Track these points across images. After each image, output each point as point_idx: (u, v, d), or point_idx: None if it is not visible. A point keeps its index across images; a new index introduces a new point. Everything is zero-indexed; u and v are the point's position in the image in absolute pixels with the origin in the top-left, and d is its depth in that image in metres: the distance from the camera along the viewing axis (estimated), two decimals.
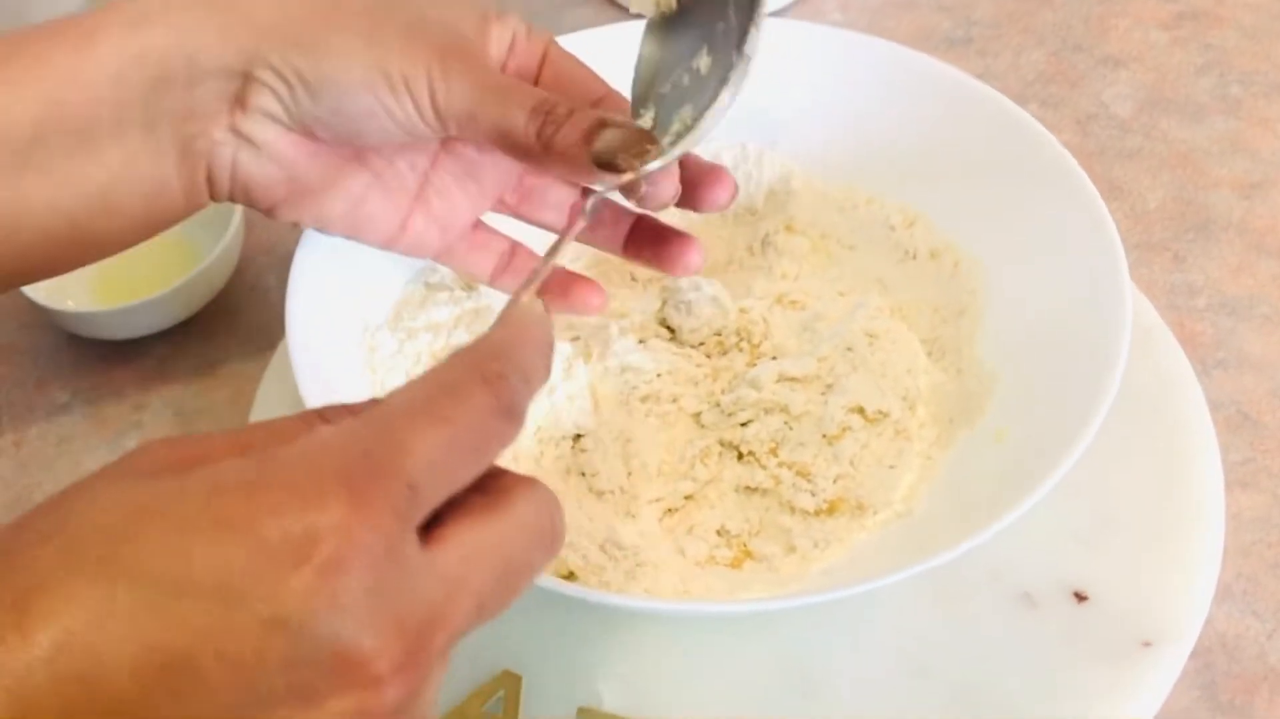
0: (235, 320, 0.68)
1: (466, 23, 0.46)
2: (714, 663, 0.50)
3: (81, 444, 0.63)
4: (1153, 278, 0.65)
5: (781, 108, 0.60)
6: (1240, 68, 0.77)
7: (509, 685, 0.49)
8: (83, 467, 0.62)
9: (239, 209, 0.66)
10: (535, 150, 0.42)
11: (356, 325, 0.54)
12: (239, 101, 0.44)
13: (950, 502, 0.49)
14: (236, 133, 0.45)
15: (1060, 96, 0.76)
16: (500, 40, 0.47)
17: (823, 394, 0.53)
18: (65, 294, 0.67)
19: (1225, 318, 0.63)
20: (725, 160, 0.61)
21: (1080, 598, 0.50)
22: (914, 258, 0.58)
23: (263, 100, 0.44)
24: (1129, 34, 0.80)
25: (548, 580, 0.43)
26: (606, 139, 0.41)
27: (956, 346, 0.55)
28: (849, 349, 0.53)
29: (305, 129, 0.45)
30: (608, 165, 0.41)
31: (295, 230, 0.53)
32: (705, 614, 0.49)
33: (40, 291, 0.65)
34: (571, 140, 0.42)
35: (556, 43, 0.48)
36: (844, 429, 0.52)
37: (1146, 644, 0.48)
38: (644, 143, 0.42)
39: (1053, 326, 0.51)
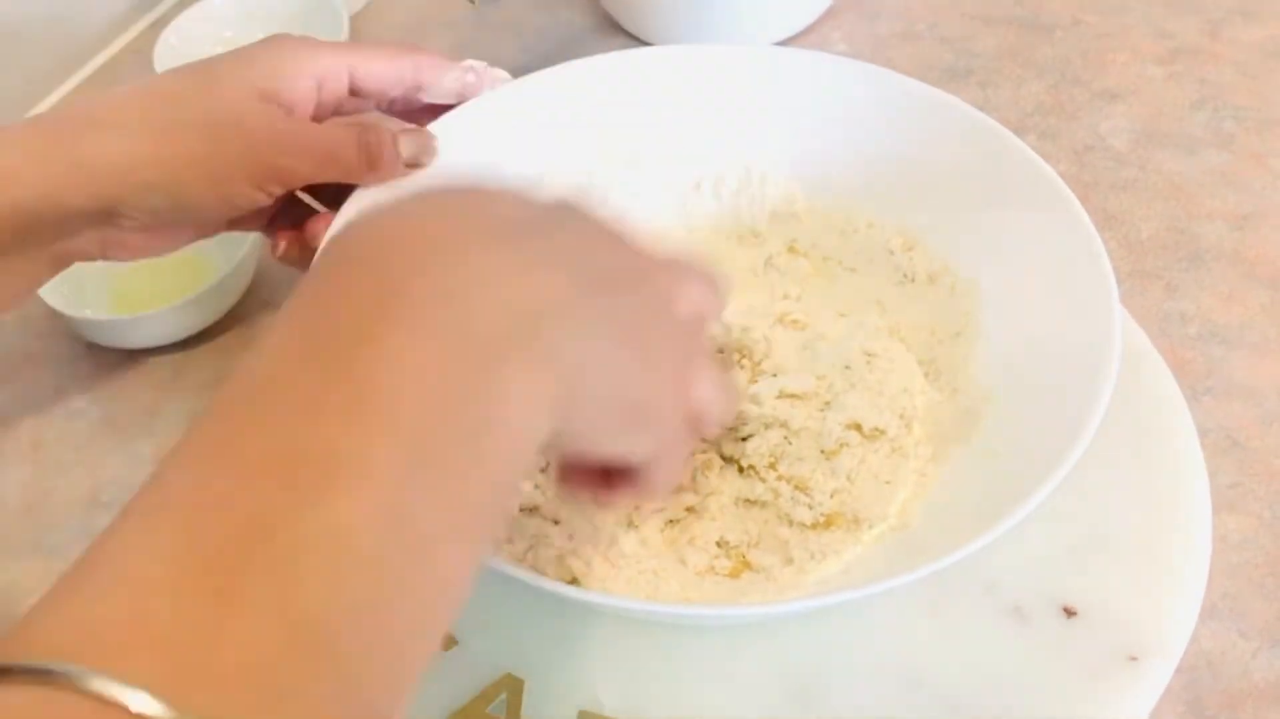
0: (248, 333, 0.70)
1: (282, 98, 0.54)
2: (712, 670, 0.51)
3: (97, 449, 0.64)
4: (1146, 306, 0.67)
5: (786, 133, 0.62)
6: (1234, 103, 0.79)
7: (511, 689, 0.51)
8: (99, 471, 0.63)
9: None
10: (364, 176, 0.55)
11: None
12: (105, 229, 0.53)
13: (943, 516, 0.50)
14: (104, 244, 0.54)
15: (1058, 128, 0.78)
16: (306, 93, 0.55)
17: (821, 411, 0.54)
18: (84, 302, 0.69)
19: (1216, 346, 0.65)
20: (729, 183, 0.63)
21: (1069, 613, 0.51)
22: (912, 280, 0.59)
23: (125, 226, 0.53)
24: (1126, 69, 0.82)
25: (551, 584, 0.44)
26: (410, 148, 0.55)
27: (952, 366, 0.56)
28: (847, 367, 0.55)
29: (157, 230, 0.54)
30: (413, 165, 0.56)
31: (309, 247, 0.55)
32: (703, 618, 0.50)
33: (59, 299, 0.67)
34: (391, 160, 0.55)
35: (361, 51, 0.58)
36: (841, 445, 0.53)
37: (1133, 659, 0.50)
38: (427, 140, 0.56)
39: (1046, 349, 0.52)
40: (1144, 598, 0.52)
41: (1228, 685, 0.52)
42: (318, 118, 0.57)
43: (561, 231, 0.35)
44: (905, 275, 0.60)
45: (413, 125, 0.58)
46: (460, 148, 0.58)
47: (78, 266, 0.69)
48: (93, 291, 0.70)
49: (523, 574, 0.44)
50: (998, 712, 0.49)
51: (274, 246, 0.57)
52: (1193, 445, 0.57)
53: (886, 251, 0.60)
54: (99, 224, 0.52)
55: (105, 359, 0.69)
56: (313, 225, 0.57)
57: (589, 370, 0.33)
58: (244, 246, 0.67)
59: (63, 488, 0.63)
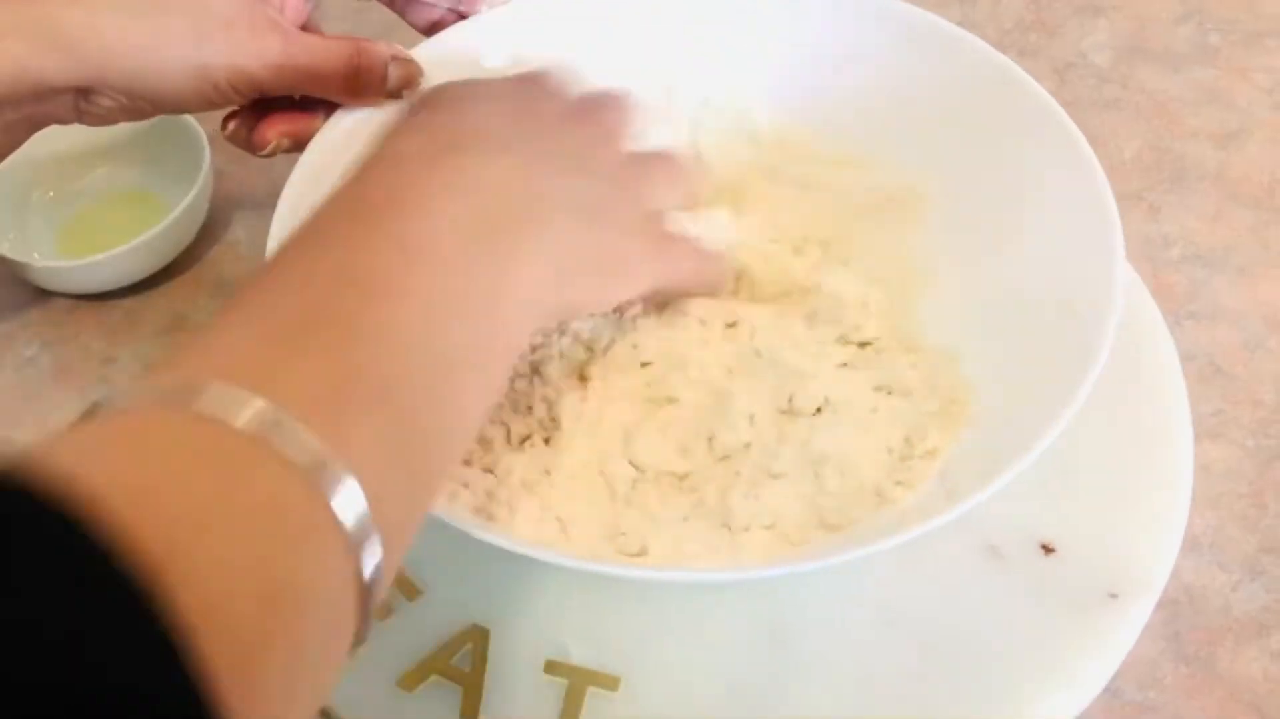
0: (204, 274, 0.68)
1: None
2: (682, 615, 0.50)
3: (49, 398, 0.63)
4: (1128, 229, 0.64)
5: (763, 58, 0.59)
6: (1219, 16, 0.76)
7: (476, 639, 0.49)
8: (50, 420, 0.61)
9: (207, 162, 0.65)
10: (345, 99, 0.55)
11: None
12: (83, 102, 0.53)
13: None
14: (79, 113, 0.54)
15: (1038, 45, 0.75)
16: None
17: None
18: (32, 247, 0.67)
19: (1199, 269, 0.63)
20: (706, 106, 0.60)
21: (1048, 550, 0.50)
22: (881, 209, 0.57)
23: (103, 102, 0.53)
24: None
25: (519, 544, 0.43)
26: (396, 79, 0.54)
27: (937, 311, 0.54)
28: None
29: (132, 107, 0.54)
30: (394, 96, 0.55)
31: (266, 181, 0.53)
32: (679, 582, 0.49)
33: (6, 245, 0.65)
34: (377, 89, 0.54)
35: None
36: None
37: (1113, 596, 0.49)
38: (416, 71, 0.55)
39: (1039, 297, 0.50)
40: (1123, 533, 0.51)
41: (1208, 620, 0.51)
42: None
43: (545, 131, 0.47)
44: (882, 202, 0.57)
45: (403, 53, 0.55)
46: (453, 70, 0.56)
47: (25, 213, 0.68)
48: (40, 237, 0.68)
49: (471, 527, 0.42)
50: (975, 652, 0.48)
51: (223, 123, 0.56)
52: (1174, 372, 0.56)
53: (870, 188, 0.58)
54: (77, 97, 0.53)
55: (56, 305, 0.67)
56: (263, 128, 0.55)
57: (570, 248, 0.43)
58: (196, 184, 0.65)
59: (15, 439, 0.61)
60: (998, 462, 0.43)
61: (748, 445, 0.49)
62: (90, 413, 0.30)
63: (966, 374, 0.50)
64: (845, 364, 0.52)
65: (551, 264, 0.42)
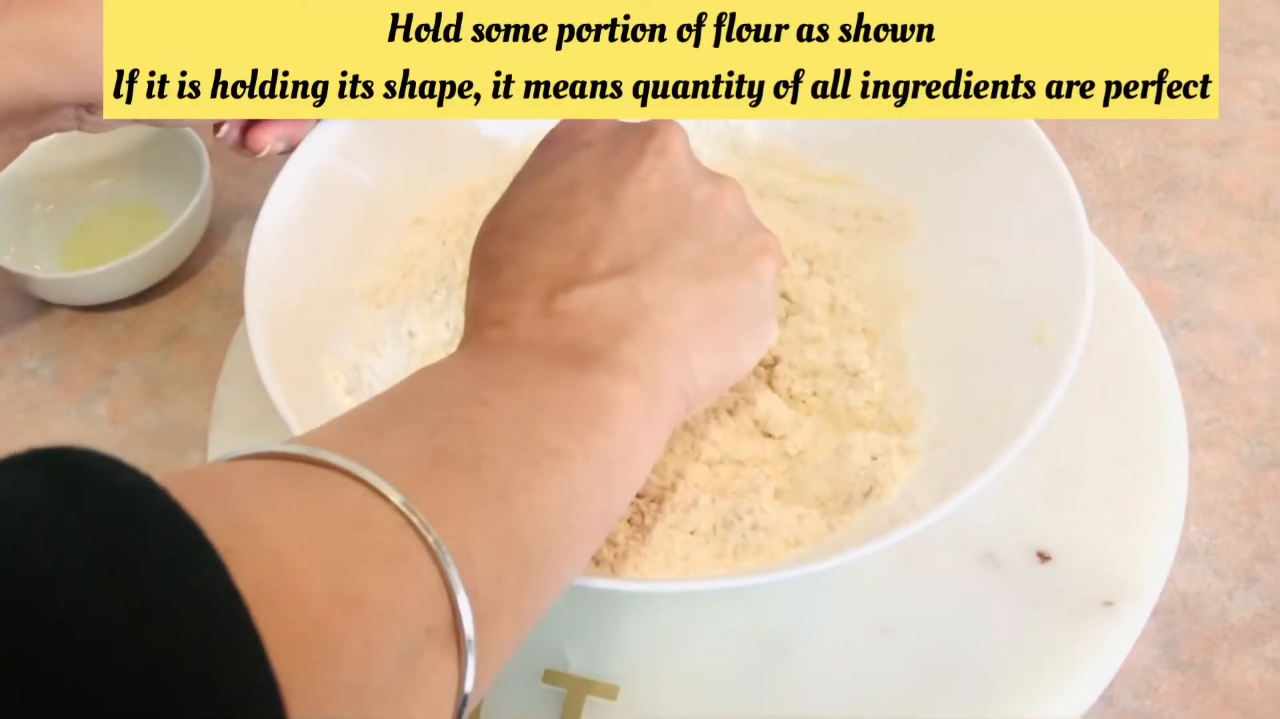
0: (204, 284, 0.68)
1: None
2: (680, 625, 0.50)
3: (50, 410, 0.63)
4: (1122, 237, 0.65)
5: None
6: None
7: None
8: (51, 432, 0.62)
9: (207, 174, 0.66)
10: None
11: (325, 299, 0.54)
12: (86, 114, 0.54)
13: (922, 480, 0.49)
14: (82, 122, 0.54)
15: None
16: None
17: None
18: (33, 259, 0.67)
19: (1193, 278, 0.63)
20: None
21: (1043, 558, 0.51)
22: (867, 219, 0.58)
23: (106, 121, 0.54)
24: None
25: None
26: None
27: (911, 316, 0.55)
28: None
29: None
30: None
31: (266, 193, 0.53)
32: (671, 595, 0.49)
33: (7, 257, 0.65)
34: None
35: None
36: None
37: (1108, 604, 0.49)
38: None
39: (1015, 298, 0.51)
40: (1118, 540, 0.51)
41: (1204, 627, 0.51)
42: None
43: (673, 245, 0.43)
44: (857, 214, 0.58)
45: None
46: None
47: (26, 225, 0.68)
48: (41, 249, 0.68)
49: None
50: (971, 660, 0.48)
51: (215, 126, 0.56)
52: (1169, 381, 0.56)
53: (834, 198, 0.59)
54: (80, 110, 0.53)
55: (57, 317, 0.67)
56: (258, 132, 0.55)
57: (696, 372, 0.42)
58: (197, 195, 0.65)
59: (15, 449, 0.61)
60: (981, 461, 0.43)
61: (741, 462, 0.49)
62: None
63: (936, 389, 0.51)
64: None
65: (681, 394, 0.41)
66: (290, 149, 0.55)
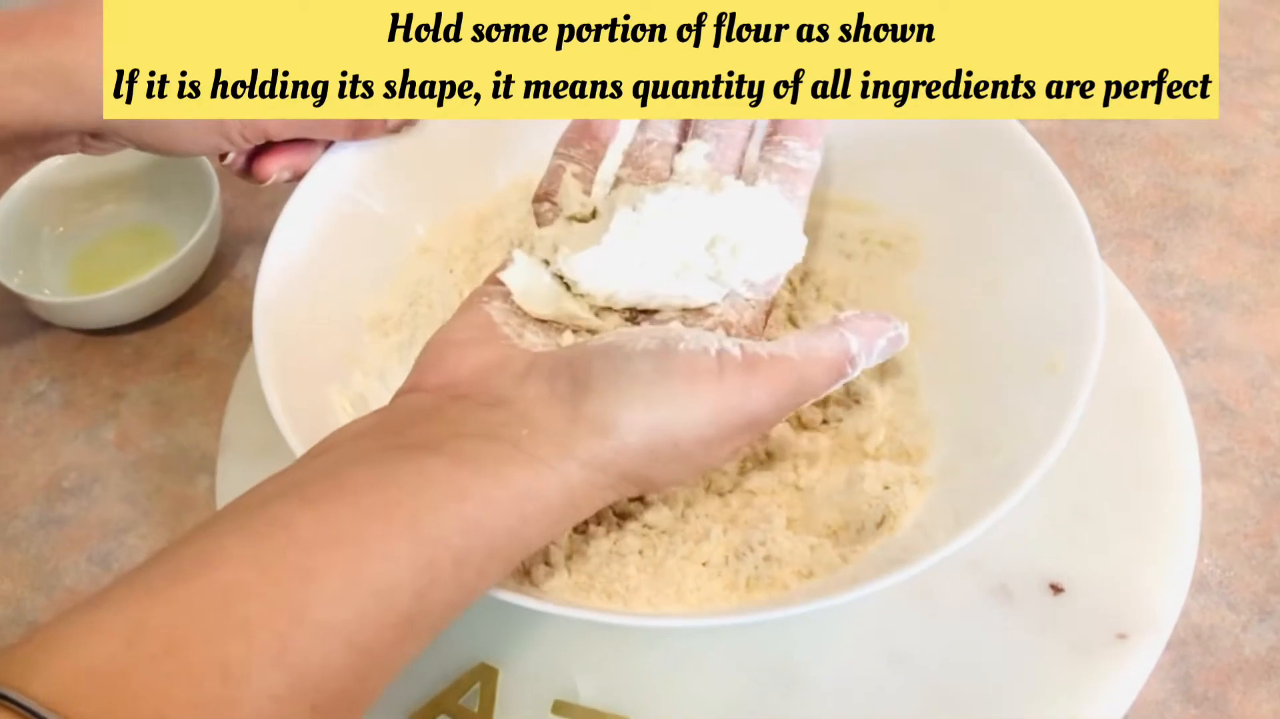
0: (213, 309, 0.68)
1: None
2: (692, 657, 0.50)
3: (58, 434, 0.63)
4: (1133, 266, 0.65)
5: None
6: (1222, 52, 0.76)
7: (485, 678, 0.49)
8: (59, 456, 0.62)
9: (216, 198, 0.66)
10: (349, 137, 0.56)
11: (334, 326, 0.54)
12: (90, 140, 0.53)
13: (932, 506, 0.48)
14: (86, 146, 0.54)
15: None
16: None
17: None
18: (42, 283, 0.67)
19: (1205, 307, 0.63)
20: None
21: (1056, 590, 0.50)
22: (876, 253, 0.58)
23: (111, 143, 0.54)
24: None
25: (520, 598, 0.43)
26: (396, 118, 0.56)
27: (927, 342, 0.54)
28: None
29: (144, 148, 0.54)
30: (395, 131, 0.57)
31: (275, 217, 0.53)
32: (684, 629, 0.49)
33: (15, 280, 0.65)
34: (377, 126, 0.56)
35: None
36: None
37: (1122, 637, 0.49)
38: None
39: (1025, 327, 0.50)
40: (1132, 572, 0.51)
41: (1218, 660, 0.50)
42: None
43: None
44: (864, 240, 0.58)
45: None
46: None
47: (34, 248, 0.68)
48: (50, 272, 0.68)
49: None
50: (983, 693, 0.48)
51: (222, 154, 0.56)
52: (1182, 411, 0.56)
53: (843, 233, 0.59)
54: (84, 135, 0.53)
55: (65, 340, 0.67)
56: (265, 161, 0.56)
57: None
58: (205, 221, 0.65)
59: (23, 474, 0.61)
60: (994, 493, 0.43)
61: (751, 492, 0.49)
62: None
63: (946, 417, 0.51)
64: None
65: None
66: (297, 177, 0.55)
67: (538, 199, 0.51)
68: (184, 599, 0.31)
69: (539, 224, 0.50)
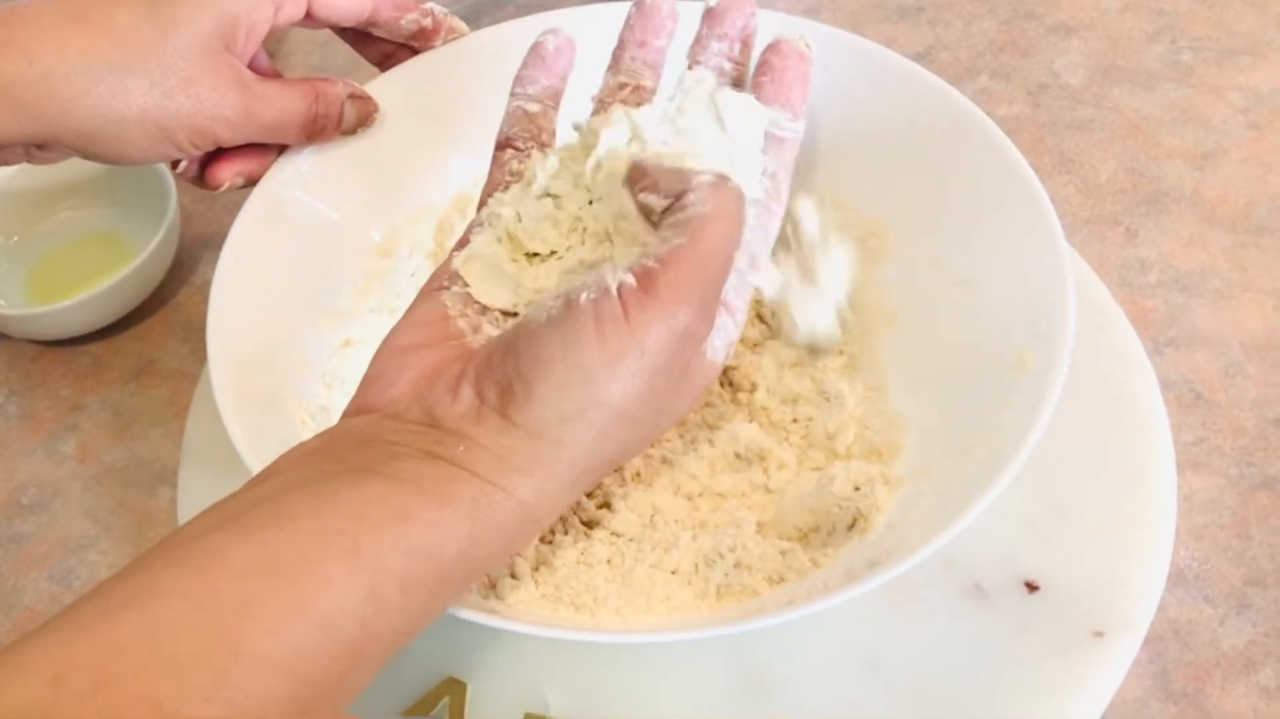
0: (173, 316, 0.67)
1: (239, 30, 0.52)
2: (663, 665, 0.49)
3: (16, 447, 0.61)
4: (1104, 253, 0.65)
5: None
6: (1192, 33, 0.76)
7: (454, 692, 0.49)
8: (18, 471, 0.60)
9: (174, 203, 0.64)
10: (302, 140, 0.54)
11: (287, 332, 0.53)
12: (36, 150, 0.52)
13: (904, 508, 0.48)
14: (31, 156, 0.52)
15: (1011, 66, 0.75)
16: (263, 21, 0.53)
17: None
18: None
19: (1177, 294, 0.62)
20: None
21: (1031, 588, 0.50)
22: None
23: (57, 154, 0.52)
24: (1080, 0, 0.79)
25: (484, 617, 0.42)
26: (352, 118, 0.55)
27: (893, 340, 0.54)
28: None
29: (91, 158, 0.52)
30: (349, 133, 0.56)
31: (234, 220, 0.52)
32: (657, 644, 0.48)
33: None
34: (331, 127, 0.55)
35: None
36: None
37: (1098, 634, 0.48)
38: (372, 108, 0.56)
39: (995, 321, 0.50)
40: (1108, 568, 0.50)
41: (1195, 656, 0.50)
42: (274, 32, 0.55)
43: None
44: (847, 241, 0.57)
45: (360, 90, 0.56)
46: (408, 106, 0.57)
47: None
48: (6, 283, 0.67)
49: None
50: (960, 694, 0.47)
51: (174, 162, 0.55)
52: (1155, 402, 0.55)
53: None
54: (29, 146, 0.51)
55: (22, 352, 0.65)
56: (217, 168, 0.55)
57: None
58: (163, 227, 0.64)
59: None
60: (967, 493, 0.42)
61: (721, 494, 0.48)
62: None
63: (917, 414, 0.51)
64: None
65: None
66: (251, 183, 0.54)
67: (500, 146, 0.48)
68: (113, 636, 0.30)
69: (497, 174, 0.48)
